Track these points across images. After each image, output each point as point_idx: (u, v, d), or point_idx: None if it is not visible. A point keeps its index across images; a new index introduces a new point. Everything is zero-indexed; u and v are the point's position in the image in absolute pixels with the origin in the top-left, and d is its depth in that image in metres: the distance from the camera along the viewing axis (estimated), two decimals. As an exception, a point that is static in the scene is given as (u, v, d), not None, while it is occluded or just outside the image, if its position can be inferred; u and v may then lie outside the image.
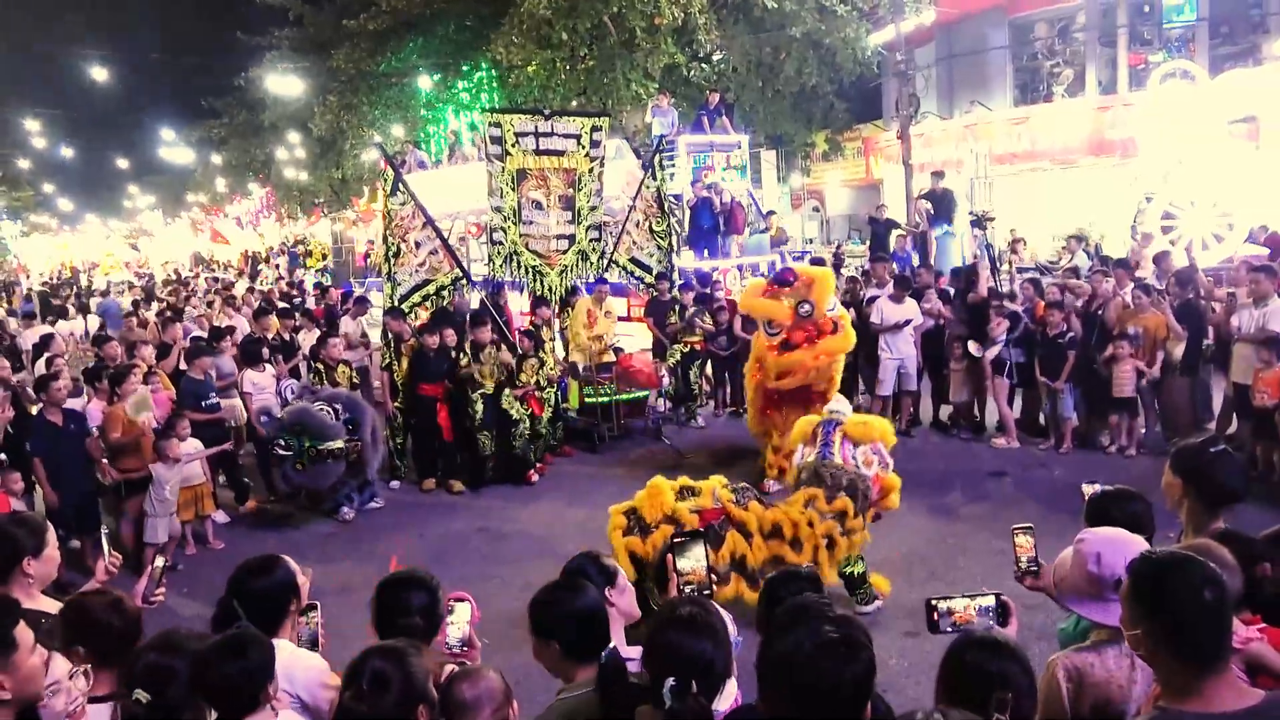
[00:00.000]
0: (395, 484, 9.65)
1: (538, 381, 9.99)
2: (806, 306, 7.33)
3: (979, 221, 11.26)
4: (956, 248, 14.60)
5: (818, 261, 12.77)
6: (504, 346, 9.90)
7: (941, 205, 14.61)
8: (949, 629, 2.58)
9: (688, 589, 2.78)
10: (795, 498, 5.82)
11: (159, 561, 3.39)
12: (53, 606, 3.23)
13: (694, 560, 2.82)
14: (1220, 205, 11.96)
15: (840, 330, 7.65)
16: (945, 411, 10.69)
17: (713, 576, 2.87)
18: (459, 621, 2.92)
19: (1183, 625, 2.06)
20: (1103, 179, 17.63)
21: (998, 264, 11.86)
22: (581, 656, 2.63)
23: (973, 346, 9.80)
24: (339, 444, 8.16)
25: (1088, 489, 3.34)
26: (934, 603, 2.62)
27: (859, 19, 20.44)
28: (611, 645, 2.61)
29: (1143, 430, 9.33)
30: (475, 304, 11.38)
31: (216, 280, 25.64)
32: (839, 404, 6.35)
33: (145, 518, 7.47)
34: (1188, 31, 19.49)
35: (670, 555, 2.85)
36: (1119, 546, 2.54)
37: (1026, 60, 21.82)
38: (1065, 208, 18.31)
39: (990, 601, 2.59)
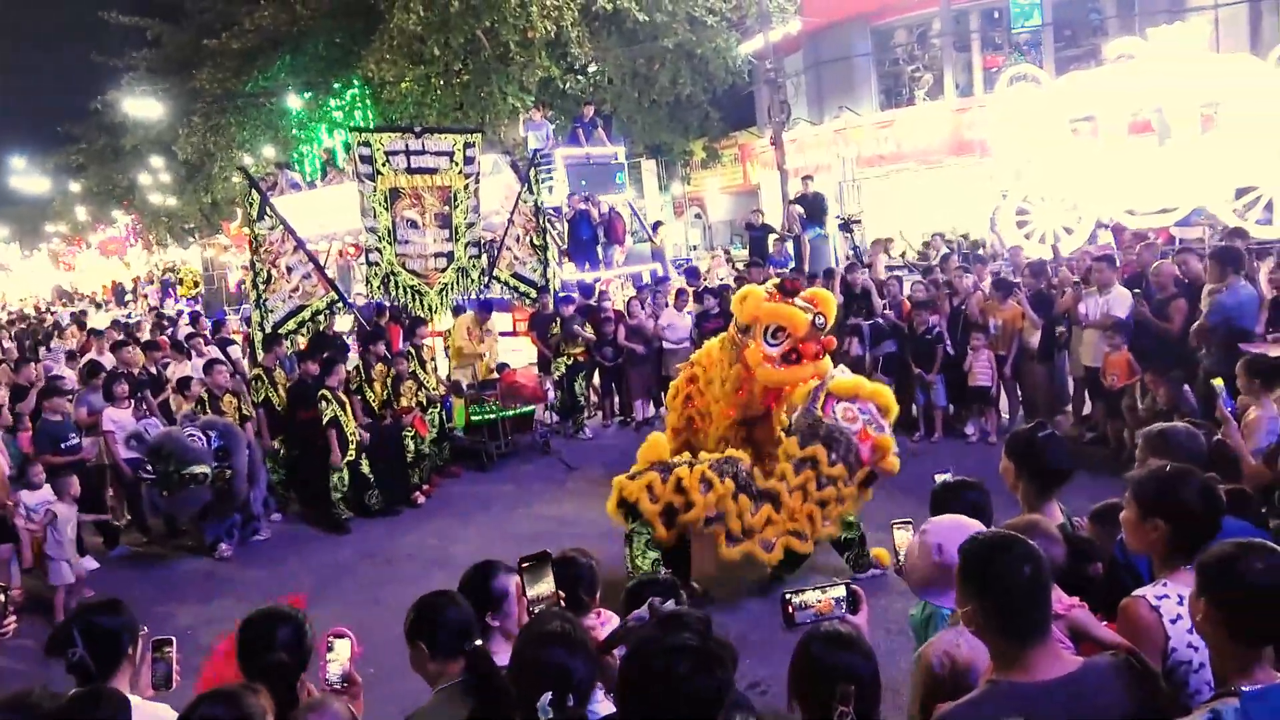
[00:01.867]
0: (277, 516, 9.38)
1: (419, 402, 9.88)
2: (821, 319, 6.64)
3: (846, 225, 11.64)
4: (829, 249, 15.06)
5: (692, 273, 13.03)
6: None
7: (813, 209, 15.06)
8: (808, 621, 2.65)
9: (538, 608, 2.80)
10: (791, 452, 6.14)
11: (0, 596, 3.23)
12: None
13: (544, 584, 2.83)
14: (1068, 200, 12.66)
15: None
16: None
17: (560, 594, 2.87)
18: (339, 658, 2.89)
19: (1005, 601, 2.21)
20: (964, 178, 18.44)
21: (862, 263, 12.28)
22: (450, 653, 2.71)
23: (853, 345, 10.15)
24: (203, 469, 7.88)
25: (940, 478, 3.52)
26: (788, 597, 2.66)
27: (728, 29, 20.92)
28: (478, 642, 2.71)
29: (1006, 417, 9.81)
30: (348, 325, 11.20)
31: (79, 314, 24.36)
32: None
33: (48, 561, 7.17)
34: (1035, 36, 20.61)
35: (520, 579, 2.85)
36: (958, 535, 2.66)
37: (889, 66, 22.65)
38: (931, 207, 19.08)
39: (841, 592, 2.66)
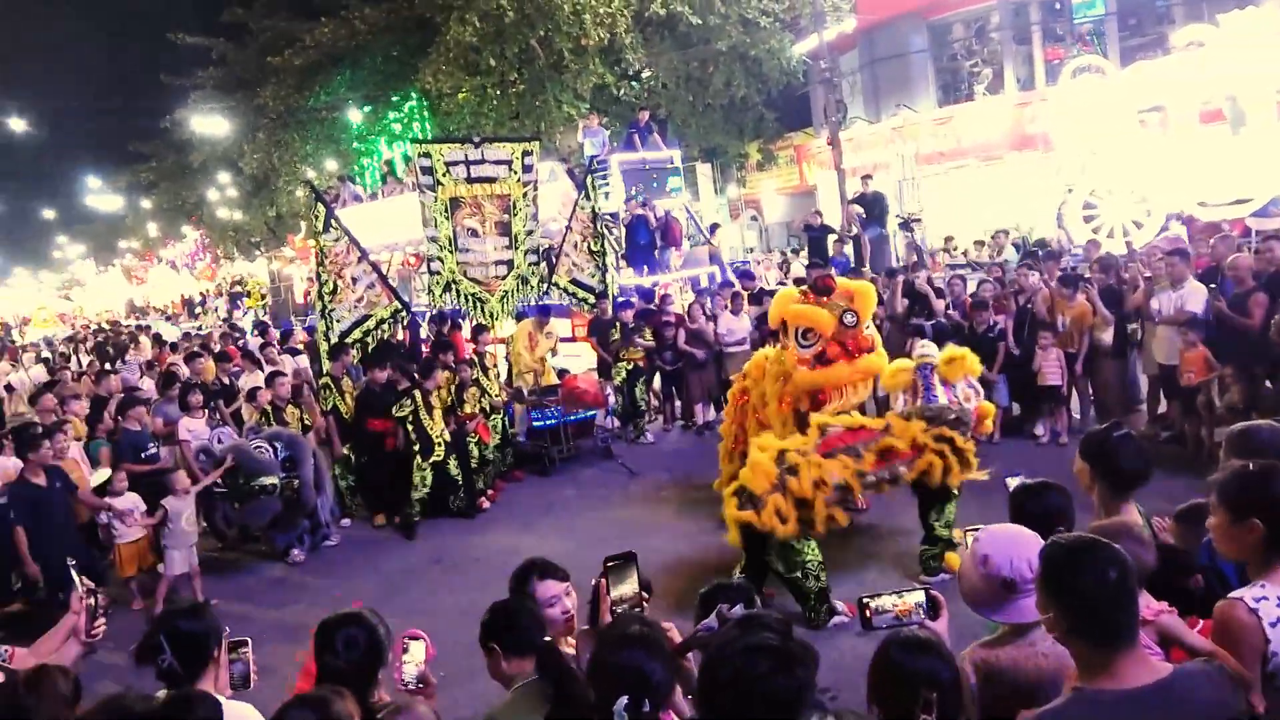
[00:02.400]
0: (346, 522, 9.55)
1: (482, 408, 9.98)
2: (851, 316, 6.46)
3: (906, 223, 11.49)
4: (889, 249, 14.89)
5: (746, 275, 12.96)
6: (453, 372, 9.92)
7: (873, 208, 14.90)
8: (885, 625, 2.62)
9: (621, 608, 2.81)
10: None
11: (92, 599, 3.31)
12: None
13: (628, 584, 2.84)
14: (1137, 193, 12.36)
15: (879, 350, 6.79)
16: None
17: (644, 595, 2.88)
18: (414, 659, 2.93)
19: (1090, 607, 2.15)
20: (1026, 173, 18.10)
21: (926, 263, 12.11)
22: (522, 652, 2.78)
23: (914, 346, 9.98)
24: (272, 480, 8.06)
25: (1011, 482, 3.45)
26: (865, 601, 2.65)
27: (782, 30, 20.82)
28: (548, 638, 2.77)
29: (1077, 417, 9.58)
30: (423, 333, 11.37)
31: (144, 329, 25.07)
32: (927, 347, 6.63)
33: (164, 550, 7.56)
34: (1098, 25, 20.15)
35: (604, 580, 2.85)
36: (1006, 545, 2.61)
37: (946, 61, 22.34)
38: (992, 203, 18.76)
39: (921, 597, 2.63)
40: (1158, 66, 13.23)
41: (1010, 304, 9.73)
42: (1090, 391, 9.53)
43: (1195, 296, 8.22)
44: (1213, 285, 8.38)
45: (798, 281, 12.50)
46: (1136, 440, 3.31)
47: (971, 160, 19.78)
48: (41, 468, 7.17)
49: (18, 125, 28.64)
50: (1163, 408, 9.19)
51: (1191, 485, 6.09)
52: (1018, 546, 2.59)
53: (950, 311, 10.01)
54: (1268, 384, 7.51)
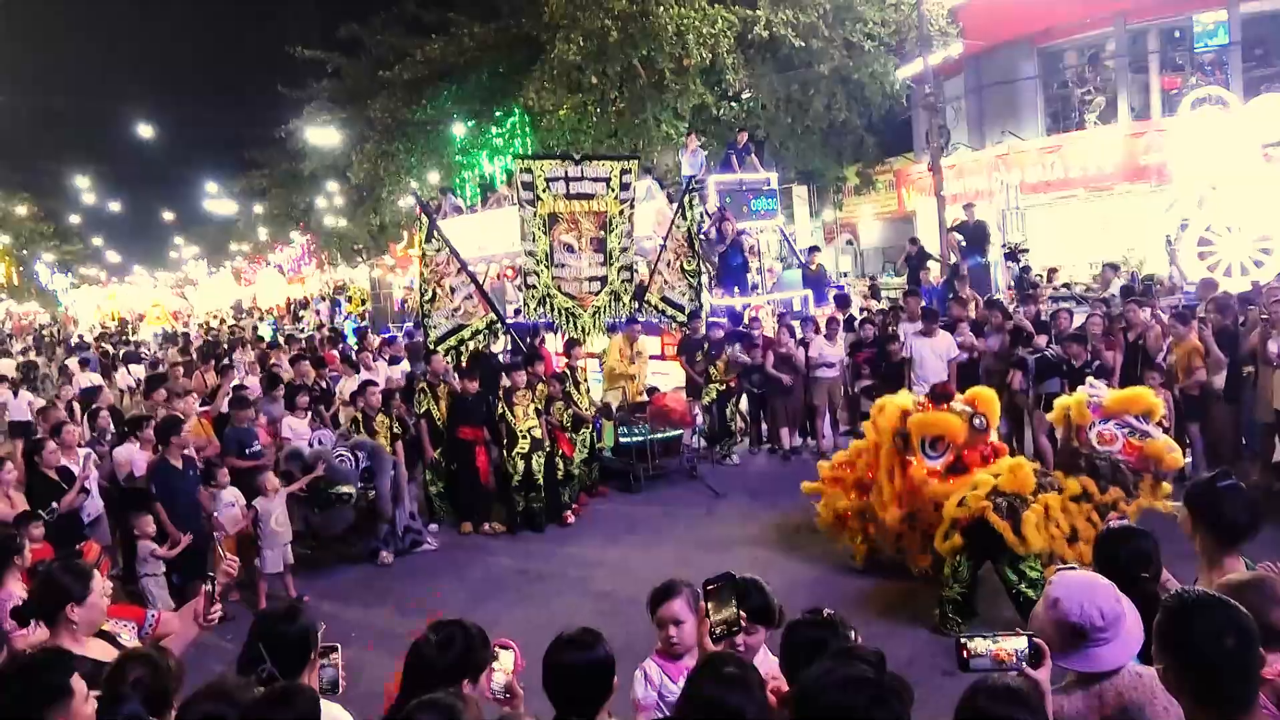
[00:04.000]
0: (434, 527, 9.73)
1: (562, 422, 10.08)
2: (980, 420, 6.37)
3: (1013, 254, 11.20)
4: (990, 279, 14.53)
5: (843, 299, 12.79)
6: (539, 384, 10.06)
7: (974, 237, 14.58)
8: (983, 668, 2.53)
9: (719, 630, 2.80)
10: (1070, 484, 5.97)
11: (210, 586, 3.50)
12: (100, 651, 3.34)
13: (728, 608, 2.83)
14: (1258, 230, 11.81)
15: (1005, 453, 6.62)
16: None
17: (743, 617, 2.87)
18: (503, 669, 2.95)
19: (1204, 670, 2.07)
20: (1138, 205, 17.50)
21: (1032, 295, 11.77)
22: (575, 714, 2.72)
23: (1015, 380, 9.72)
24: (349, 489, 8.27)
25: (1115, 523, 3.34)
26: (964, 641, 2.55)
27: (886, 53, 20.56)
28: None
29: (1188, 460, 9.16)
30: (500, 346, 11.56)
31: (242, 328, 26.04)
32: (1095, 386, 6.43)
33: (260, 550, 7.86)
34: (1220, 55, 19.38)
35: (704, 602, 2.85)
36: (1079, 590, 2.53)
37: (1057, 89, 21.78)
38: (1100, 235, 18.17)
39: (1023, 643, 2.50)
40: (1285, 99, 12.67)
41: (1119, 339, 9.39)
42: (1201, 436, 9.11)
43: (1318, 341, 7.81)
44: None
45: (888, 310, 12.30)
46: (1244, 490, 3.15)
47: (1080, 191, 19.21)
48: (180, 453, 7.76)
49: (145, 131, 30.18)
50: (1278, 455, 8.72)
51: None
52: (1090, 592, 2.51)
53: (1053, 346, 9.69)
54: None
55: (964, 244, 14.64)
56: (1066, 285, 14.57)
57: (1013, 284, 14.09)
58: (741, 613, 2.85)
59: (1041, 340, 9.80)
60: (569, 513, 9.83)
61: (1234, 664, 2.05)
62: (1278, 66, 18.82)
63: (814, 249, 18.17)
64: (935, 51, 19.14)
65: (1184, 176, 13.09)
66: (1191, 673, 2.10)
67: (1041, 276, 16.42)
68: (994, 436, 6.60)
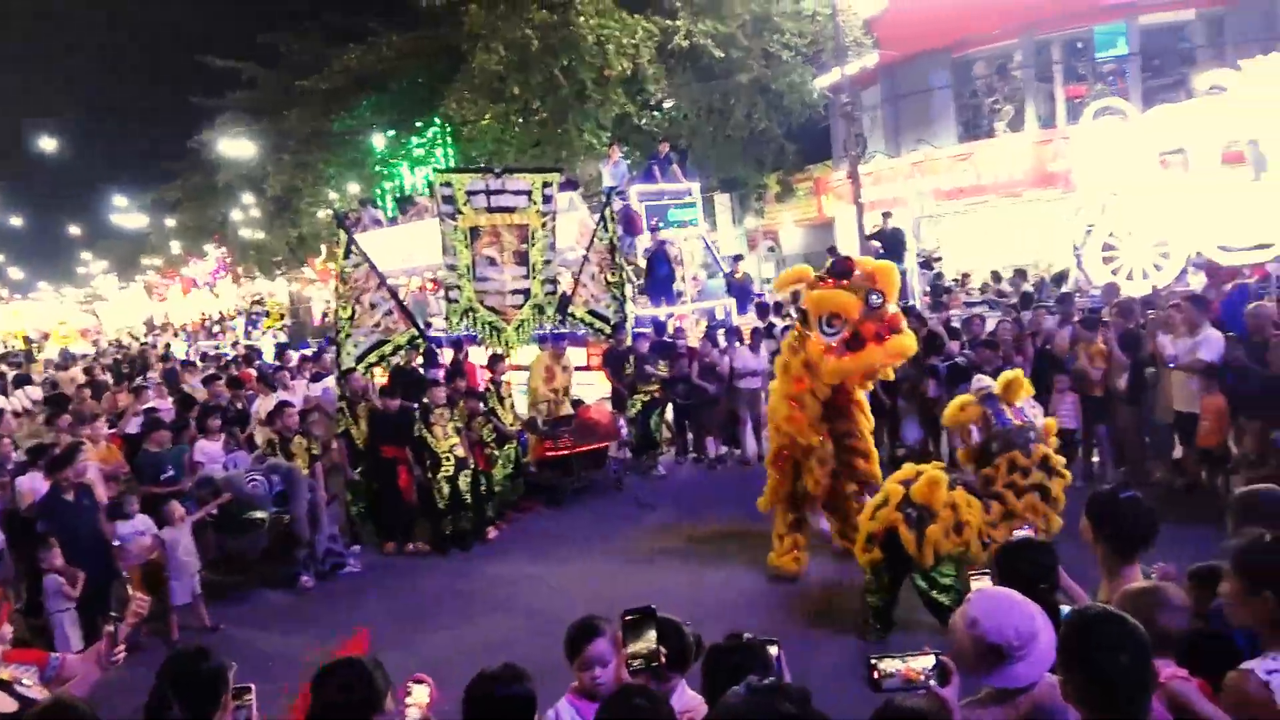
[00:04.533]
0: (356, 548, 9.55)
1: (482, 438, 10.01)
2: (877, 296, 6.24)
3: (927, 262, 11.46)
4: (908, 286, 14.84)
5: (764, 307, 12.93)
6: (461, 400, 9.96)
7: (891, 244, 14.90)
8: (894, 688, 2.55)
9: (636, 664, 2.78)
10: (998, 465, 5.96)
11: (112, 627, 3.40)
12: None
13: (645, 641, 2.81)
14: (1157, 235, 12.30)
15: (905, 329, 6.55)
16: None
17: (662, 651, 2.83)
18: (418, 702, 2.91)
19: (1101, 684, 2.16)
20: (1046, 211, 18.09)
21: (947, 302, 12.06)
22: None
23: (929, 387, 9.95)
24: (262, 514, 8.10)
25: (1018, 534, 3.44)
26: (874, 661, 2.58)
27: (804, 64, 20.93)
28: None
29: (1095, 460, 9.48)
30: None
31: (154, 346, 25.19)
32: (983, 380, 6.48)
33: (166, 582, 7.51)
34: (1120, 66, 20.17)
35: (621, 634, 2.83)
36: (995, 610, 2.58)
37: (968, 98, 22.41)
38: (1012, 240, 18.74)
39: (930, 662, 2.56)
40: (1179, 109, 13.17)
41: (1028, 345, 9.68)
42: (1107, 437, 9.43)
43: (1210, 344, 8.15)
44: (1232, 334, 8.31)
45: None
46: (1143, 503, 3.28)
47: (991, 197, 19.78)
48: (72, 486, 7.28)
49: (48, 145, 29.10)
50: (1179, 454, 9.09)
51: (1206, 535, 6.04)
52: (1008, 612, 2.56)
53: (966, 351, 9.95)
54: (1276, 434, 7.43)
55: (881, 251, 14.93)
56: (1000, 293, 14.85)
57: (928, 290, 14.42)
58: (661, 648, 2.82)
59: (955, 346, 10.05)
60: (491, 529, 9.75)
61: (1130, 678, 2.14)
62: (1173, 77, 19.67)
63: (738, 258, 18.37)
64: (851, 62, 19.52)
65: (1087, 184, 13.55)
66: (1090, 686, 2.18)
67: (956, 282, 16.87)
68: (893, 308, 6.53)
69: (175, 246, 46.53)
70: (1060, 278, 14.87)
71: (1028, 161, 19.36)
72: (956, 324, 10.95)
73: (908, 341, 6.47)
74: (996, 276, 16.89)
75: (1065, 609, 2.72)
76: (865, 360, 6.35)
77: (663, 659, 2.83)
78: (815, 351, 6.53)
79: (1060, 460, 6.00)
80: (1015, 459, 5.92)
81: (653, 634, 2.82)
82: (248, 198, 33.00)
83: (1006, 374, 6.23)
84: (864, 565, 6.27)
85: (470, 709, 2.73)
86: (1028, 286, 14.11)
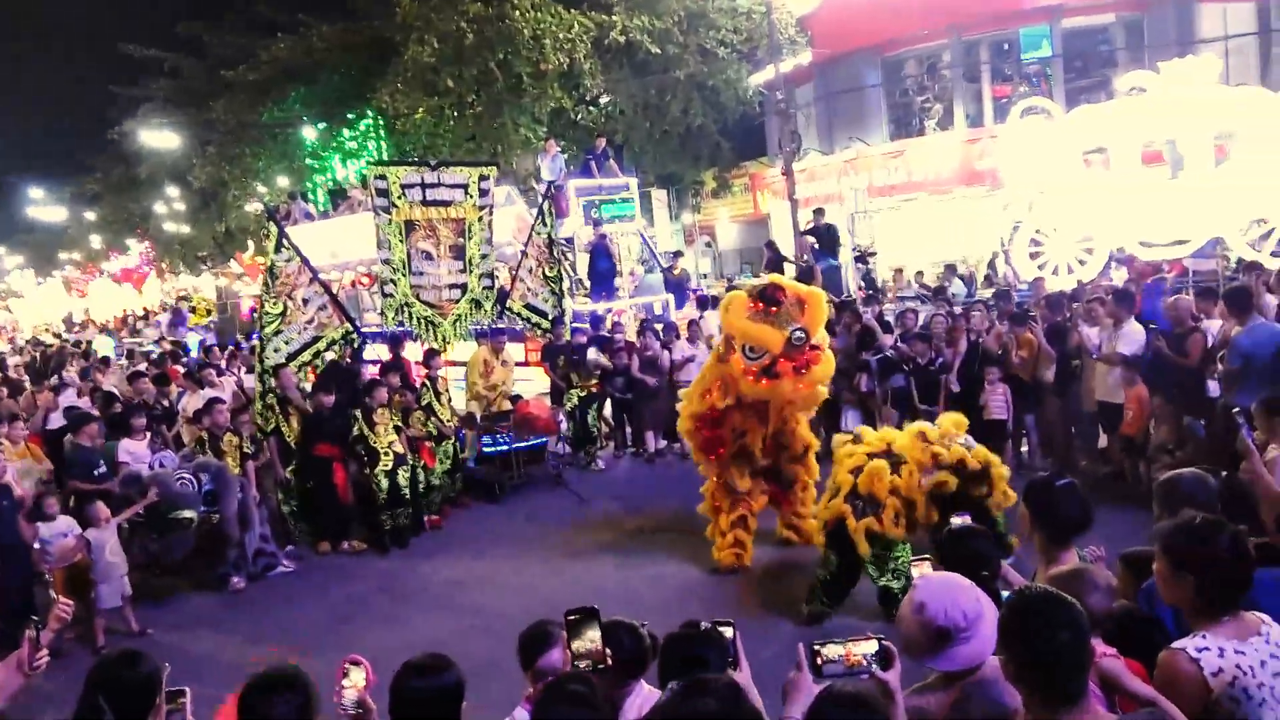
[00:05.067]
0: (290, 549, 9.34)
1: (429, 433, 9.90)
2: (800, 333, 6.52)
3: (862, 256, 11.63)
4: (843, 281, 15.08)
5: (704, 301, 13.02)
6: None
7: (826, 240, 15.09)
8: (836, 674, 2.55)
9: (583, 665, 2.75)
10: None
11: (34, 632, 3.26)
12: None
13: (588, 640, 2.79)
14: (1081, 231, 12.67)
15: (825, 358, 6.86)
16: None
17: (607, 652, 2.80)
18: (354, 684, 2.85)
19: (1039, 664, 2.21)
20: (975, 208, 18.49)
21: (880, 297, 12.27)
22: None
23: (861, 381, 10.12)
24: (190, 514, 7.88)
25: (955, 521, 3.51)
26: (816, 648, 2.58)
27: (739, 60, 21.08)
28: None
29: (1024, 449, 9.73)
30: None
31: (79, 344, 24.26)
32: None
33: (92, 585, 7.24)
34: (1044, 66, 20.70)
35: (566, 634, 2.80)
36: (942, 593, 2.62)
37: (899, 96, 22.77)
38: (943, 236, 19.12)
39: (873, 646, 2.56)
40: (1101, 109, 13.58)
41: (960, 338, 9.88)
42: (1036, 427, 9.69)
43: (1132, 336, 8.43)
44: (1152, 325, 8.59)
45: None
46: (1078, 491, 3.37)
47: (922, 194, 20.14)
48: None
49: (-43, 133, 27.90)
50: (1103, 442, 9.38)
51: (1131, 520, 6.26)
52: (953, 595, 2.61)
53: (900, 345, 10.13)
54: (1188, 420, 7.74)
55: (816, 246, 15.12)
56: (941, 290, 15.07)
57: (862, 285, 14.65)
58: (607, 649, 2.78)
59: (889, 340, 10.23)
60: (431, 518, 9.68)
61: (1068, 657, 2.19)
62: (1095, 78, 20.28)
63: (677, 254, 18.43)
64: (785, 59, 19.71)
65: (1014, 181, 13.90)
66: (1030, 665, 2.23)
67: (889, 279, 17.17)
68: (818, 339, 6.79)
69: (96, 241, 45.03)
70: (988, 277, 15.26)
71: (956, 159, 19.77)
72: (890, 318, 11.12)
73: (826, 370, 6.84)
74: (920, 276, 17.28)
75: (1005, 595, 2.78)
76: (779, 390, 6.71)
77: (608, 660, 2.79)
78: (735, 370, 6.86)
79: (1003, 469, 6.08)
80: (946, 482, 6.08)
81: (596, 634, 2.79)
82: (172, 190, 32.07)
83: (946, 417, 6.43)
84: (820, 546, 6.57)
85: (396, 701, 2.67)
86: (958, 281, 14.40)
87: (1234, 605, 2.61)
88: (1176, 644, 2.59)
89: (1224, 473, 4.01)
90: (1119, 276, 12.38)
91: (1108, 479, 8.82)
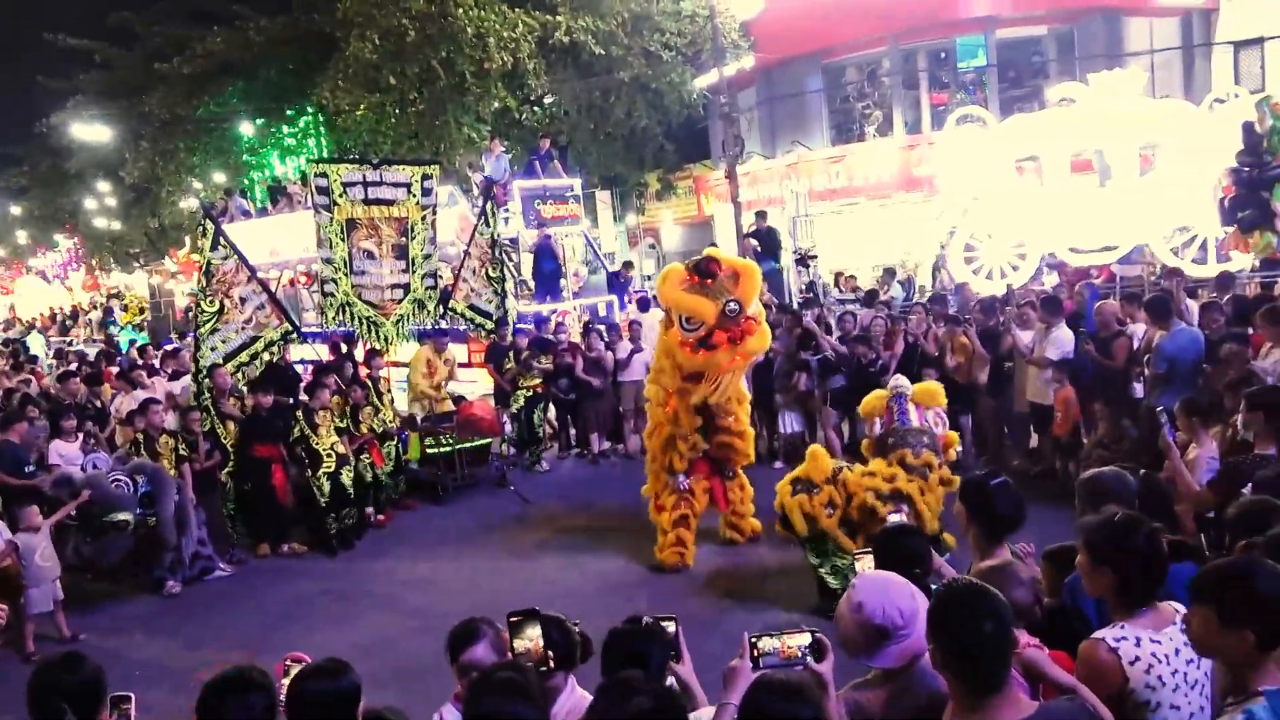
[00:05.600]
0: (232, 552, 9.17)
1: (373, 429, 9.83)
2: (734, 305, 6.70)
3: (803, 259, 11.81)
4: (785, 283, 15.26)
5: (644, 302, 13.09)
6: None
7: (767, 243, 15.26)
8: (772, 666, 2.64)
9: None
10: (883, 462, 6.48)
11: None
12: None
13: (529, 639, 2.82)
14: (1014, 237, 13.01)
15: (760, 329, 7.07)
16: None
17: (549, 653, 2.84)
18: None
19: (965, 653, 2.30)
20: (913, 213, 18.87)
21: (821, 298, 12.47)
22: None
23: (800, 380, 10.29)
24: (125, 516, 7.72)
25: (893, 519, 3.62)
26: (754, 640, 2.67)
27: (683, 63, 21.19)
28: None
29: (959, 449, 9.95)
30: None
31: (7, 344, 23.50)
32: (900, 379, 6.95)
33: (22, 590, 7.04)
34: (979, 76, 21.21)
35: (509, 635, 2.83)
36: (880, 593, 2.71)
37: (840, 102, 23.13)
38: (883, 241, 19.48)
39: (806, 639, 2.65)
40: (1033, 119, 13.99)
41: (898, 341, 10.10)
42: (971, 427, 9.93)
43: (1061, 340, 8.71)
44: (1083, 330, 8.88)
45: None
46: (1012, 488, 3.50)
47: (862, 199, 20.50)
48: None
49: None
50: (1034, 442, 9.67)
51: (1060, 517, 6.46)
52: (891, 593, 2.69)
53: (841, 347, 10.30)
54: (1126, 421, 8.01)
55: (759, 249, 15.28)
56: (873, 294, 15.34)
57: (803, 288, 14.85)
58: (549, 652, 2.82)
59: (828, 341, 10.40)
60: (378, 517, 9.68)
61: (991, 647, 2.29)
62: (1028, 88, 20.84)
63: (627, 264, 18.48)
64: (729, 63, 19.89)
65: (950, 187, 14.22)
66: (956, 656, 2.32)
67: (829, 281, 17.42)
68: (753, 309, 7.06)
69: (21, 236, 43.56)
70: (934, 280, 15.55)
71: (895, 165, 20.15)
72: (831, 320, 11.31)
73: (760, 342, 7.07)
74: (851, 278, 17.61)
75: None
76: (714, 360, 6.90)
77: (551, 661, 2.83)
78: (671, 342, 7.08)
79: (945, 471, 6.46)
80: (904, 456, 6.40)
81: (538, 633, 2.82)
82: (103, 185, 31.15)
83: (928, 383, 6.96)
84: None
85: (292, 704, 2.62)
86: (896, 286, 14.69)
87: (1150, 597, 2.74)
88: (1096, 634, 2.72)
89: (1142, 471, 4.19)
90: (1050, 281, 12.73)
91: (1038, 478, 9.09)
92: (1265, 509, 3.47)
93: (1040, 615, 3.12)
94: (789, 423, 10.68)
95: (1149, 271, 12.48)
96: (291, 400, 9.81)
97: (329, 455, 9.15)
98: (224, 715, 2.54)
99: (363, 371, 10.66)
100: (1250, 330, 7.54)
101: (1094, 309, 8.98)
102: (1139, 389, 8.32)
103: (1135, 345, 8.38)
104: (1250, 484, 4.62)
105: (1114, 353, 8.35)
